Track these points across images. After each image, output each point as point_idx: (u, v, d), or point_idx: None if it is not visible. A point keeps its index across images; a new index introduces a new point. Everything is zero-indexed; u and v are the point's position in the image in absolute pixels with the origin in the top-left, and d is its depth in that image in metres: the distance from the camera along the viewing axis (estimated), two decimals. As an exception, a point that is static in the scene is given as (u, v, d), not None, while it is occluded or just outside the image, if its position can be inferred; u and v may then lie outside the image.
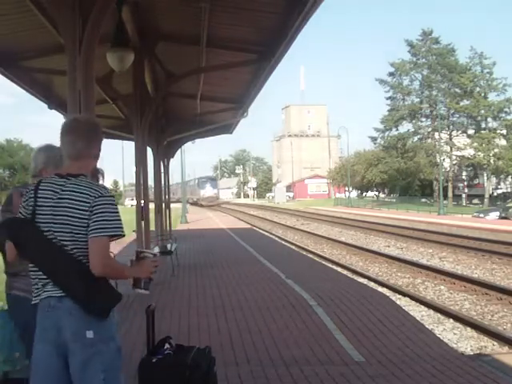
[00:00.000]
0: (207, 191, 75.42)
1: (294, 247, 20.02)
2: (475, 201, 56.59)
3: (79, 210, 2.47)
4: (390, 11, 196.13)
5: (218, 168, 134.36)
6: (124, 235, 2.58)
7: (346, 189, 66.32)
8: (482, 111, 52.63)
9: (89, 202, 2.47)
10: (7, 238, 2.60)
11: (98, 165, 3.12)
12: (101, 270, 2.46)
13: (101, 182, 3.67)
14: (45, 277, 2.48)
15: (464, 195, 58.21)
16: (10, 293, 3.11)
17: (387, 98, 59.28)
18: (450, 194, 54.00)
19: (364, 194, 72.75)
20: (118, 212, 2.54)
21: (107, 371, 2.45)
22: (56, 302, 2.45)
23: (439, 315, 9.14)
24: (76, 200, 2.49)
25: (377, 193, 70.71)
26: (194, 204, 73.34)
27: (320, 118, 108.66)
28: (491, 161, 51.12)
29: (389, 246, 21.01)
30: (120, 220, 2.54)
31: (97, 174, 3.63)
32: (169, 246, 12.67)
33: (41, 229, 2.51)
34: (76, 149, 2.59)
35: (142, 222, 10.77)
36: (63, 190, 2.53)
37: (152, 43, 10.02)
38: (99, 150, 2.71)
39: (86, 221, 2.46)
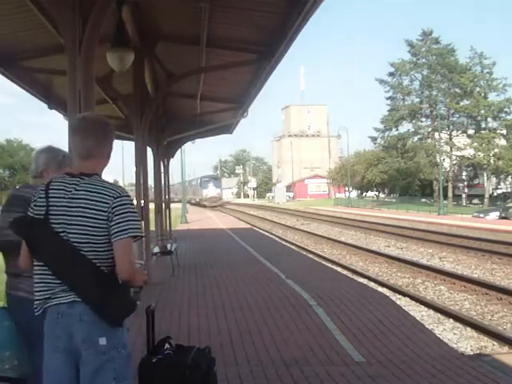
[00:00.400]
0: (210, 191, 71.67)
1: (294, 247, 20.03)
2: (475, 201, 56.60)
3: (96, 210, 2.40)
4: (390, 11, 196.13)
5: (218, 168, 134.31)
6: (143, 236, 2.53)
7: (346, 189, 66.32)
8: (482, 111, 52.66)
9: (107, 203, 2.40)
10: (20, 237, 2.53)
11: None
12: (127, 274, 2.42)
13: None
14: (54, 282, 2.40)
15: (464, 195, 58.21)
16: (10, 293, 3.10)
17: (387, 98, 59.38)
18: (450, 193, 54.01)
19: (364, 194, 72.75)
20: (136, 211, 2.50)
21: (118, 379, 2.41)
22: (66, 309, 2.38)
23: (439, 315, 9.14)
24: (92, 200, 2.41)
25: (377, 193, 70.71)
26: (197, 204, 70.75)
27: (320, 118, 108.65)
28: (491, 161, 51.15)
29: (389, 246, 21.01)
30: (139, 220, 2.49)
31: None
32: (169, 245, 12.67)
33: (55, 230, 2.42)
34: (86, 148, 2.51)
35: (142, 222, 10.75)
36: (77, 190, 2.45)
37: (152, 43, 10.01)
38: (111, 149, 2.63)
39: (104, 222, 2.39)
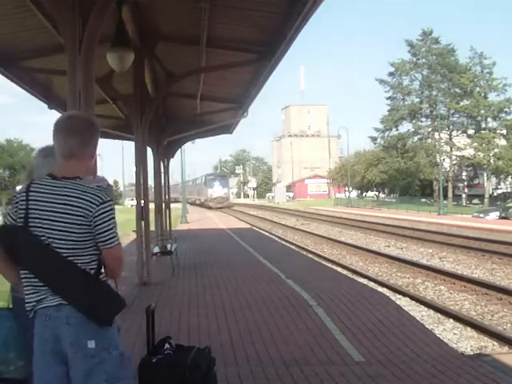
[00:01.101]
0: (216, 191, 64.70)
1: (294, 247, 20.03)
2: (475, 201, 56.63)
3: (78, 216, 2.37)
4: (390, 11, 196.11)
5: (218, 168, 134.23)
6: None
7: (346, 189, 66.33)
8: (482, 111, 52.69)
9: (90, 211, 2.37)
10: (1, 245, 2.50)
11: (99, 164, 3.09)
12: (117, 275, 2.50)
13: None
14: (41, 285, 2.39)
15: (464, 195, 58.26)
16: (15, 294, 3.11)
17: (387, 98, 59.42)
18: (450, 193, 54.04)
19: (364, 194, 72.77)
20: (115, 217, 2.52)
21: (111, 380, 2.39)
22: (53, 312, 2.37)
23: (439, 315, 9.14)
24: (74, 206, 2.38)
25: (377, 193, 70.73)
26: (201, 205, 65.98)
27: (320, 118, 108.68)
28: (491, 161, 51.18)
29: (389, 246, 21.01)
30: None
31: None
32: (169, 246, 12.67)
33: (35, 234, 2.39)
34: (68, 147, 2.45)
35: (142, 222, 10.77)
36: (59, 194, 2.40)
37: (152, 43, 10.01)
38: (94, 150, 2.56)
39: (87, 227, 2.38)
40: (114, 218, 2.45)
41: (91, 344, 2.36)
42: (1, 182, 74.92)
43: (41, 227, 2.40)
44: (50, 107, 12.77)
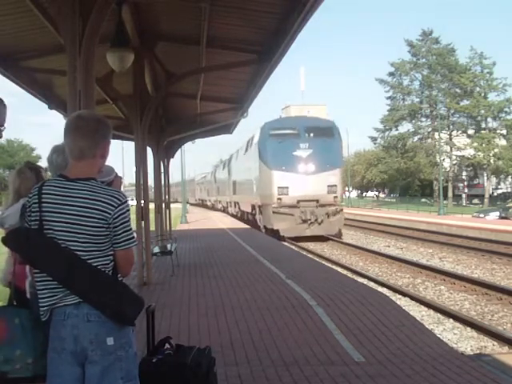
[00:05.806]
0: (300, 179, 22.75)
1: (294, 247, 20.03)
2: (475, 201, 56.70)
3: (97, 219, 2.34)
4: (390, 11, 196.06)
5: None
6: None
7: (346, 189, 66.38)
8: (482, 111, 52.79)
9: (109, 213, 2.35)
10: (14, 251, 2.50)
11: None
12: (128, 274, 2.50)
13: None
14: (57, 287, 2.35)
15: (464, 195, 58.32)
16: (32, 290, 3.11)
17: (387, 98, 59.53)
18: (450, 194, 54.11)
19: (364, 194, 72.78)
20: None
21: (126, 378, 2.40)
22: (72, 310, 2.35)
23: (439, 315, 9.15)
24: (92, 208, 2.35)
25: (377, 193, 70.75)
26: (251, 224, 27.92)
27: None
28: (491, 161, 51.24)
29: (389, 246, 21.02)
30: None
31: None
32: (169, 245, 12.66)
33: (51, 237, 2.36)
34: (78, 148, 2.40)
35: (142, 222, 10.77)
36: (75, 197, 2.37)
37: (152, 43, 10.01)
38: (105, 150, 2.49)
39: (105, 229, 2.36)
40: (129, 220, 2.44)
41: (110, 341, 2.36)
42: (1, 181, 74.93)
43: (57, 230, 2.36)
44: (50, 107, 12.78)
